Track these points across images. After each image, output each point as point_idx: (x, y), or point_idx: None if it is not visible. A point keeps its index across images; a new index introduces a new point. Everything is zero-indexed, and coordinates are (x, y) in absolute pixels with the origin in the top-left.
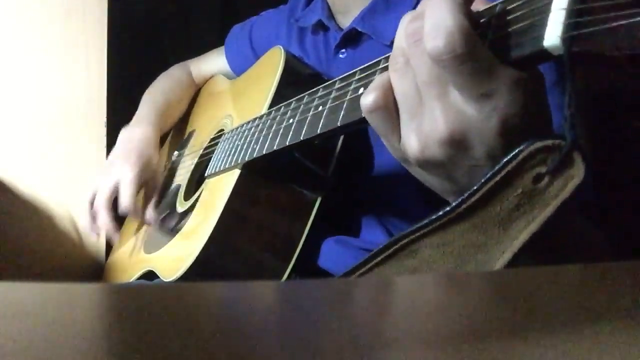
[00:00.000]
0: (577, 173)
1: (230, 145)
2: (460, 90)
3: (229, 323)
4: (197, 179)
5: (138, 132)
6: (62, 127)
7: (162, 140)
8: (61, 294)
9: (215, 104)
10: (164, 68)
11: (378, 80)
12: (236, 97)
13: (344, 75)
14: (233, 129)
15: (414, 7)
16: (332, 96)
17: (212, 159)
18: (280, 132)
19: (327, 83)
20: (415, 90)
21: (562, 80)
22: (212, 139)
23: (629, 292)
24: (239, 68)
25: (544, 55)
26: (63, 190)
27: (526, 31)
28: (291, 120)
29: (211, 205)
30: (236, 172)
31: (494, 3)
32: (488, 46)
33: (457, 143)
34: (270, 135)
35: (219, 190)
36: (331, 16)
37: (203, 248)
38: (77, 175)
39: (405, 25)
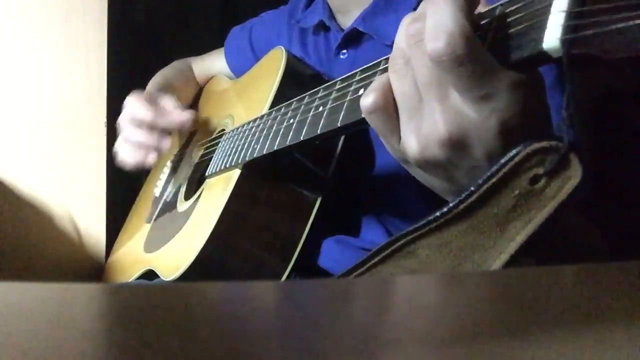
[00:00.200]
0: (574, 174)
1: (231, 145)
2: (460, 92)
3: (229, 323)
4: (198, 179)
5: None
6: (62, 127)
7: None
8: (61, 294)
9: (216, 104)
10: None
11: (378, 81)
12: (237, 97)
13: (344, 76)
14: (234, 129)
15: (415, 8)
16: (332, 97)
17: (213, 158)
18: (281, 132)
19: (328, 84)
20: (414, 91)
21: (561, 82)
22: (213, 139)
23: (629, 292)
24: (239, 69)
25: (543, 57)
26: (63, 190)
27: (525, 33)
28: (292, 121)
29: (211, 204)
30: (237, 172)
31: (494, 5)
32: (488, 48)
33: (457, 144)
34: (271, 135)
35: (219, 190)
36: (332, 17)
37: (203, 247)
38: (77, 175)
39: (406, 27)
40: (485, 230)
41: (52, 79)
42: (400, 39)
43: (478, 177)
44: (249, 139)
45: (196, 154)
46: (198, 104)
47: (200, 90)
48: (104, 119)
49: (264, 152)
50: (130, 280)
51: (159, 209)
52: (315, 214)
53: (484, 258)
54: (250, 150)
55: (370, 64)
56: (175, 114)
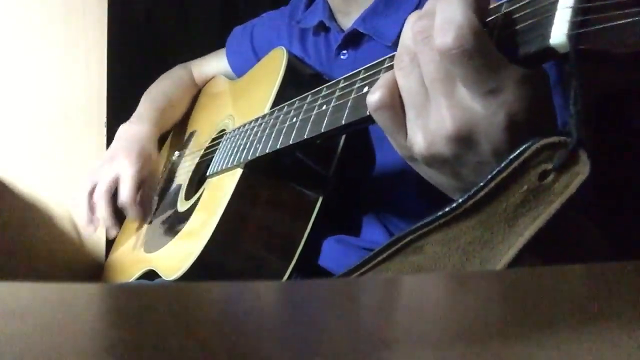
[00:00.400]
0: (582, 170)
1: (233, 145)
2: (468, 87)
3: (229, 323)
4: (198, 179)
5: (138, 129)
6: (62, 127)
7: (163, 140)
8: (61, 294)
9: (217, 104)
10: (164, 68)
11: (384, 78)
12: (238, 97)
13: (348, 75)
14: (235, 129)
15: (416, 8)
16: (336, 95)
17: (214, 158)
18: (284, 131)
19: (331, 82)
20: (421, 88)
21: (564, 78)
22: (214, 139)
23: (630, 292)
24: (240, 70)
25: (550, 53)
26: (63, 190)
27: (532, 29)
28: (295, 119)
29: (213, 204)
30: (238, 172)
31: (501, 1)
32: (495, 44)
33: (464, 140)
34: (274, 134)
35: (220, 189)
36: (332, 17)
37: (204, 247)
38: (77, 175)
39: (412, 24)
40: (493, 225)
41: (52, 79)
42: (407, 35)
43: (485, 173)
44: (250, 138)
45: (197, 154)
46: (198, 104)
47: (199, 91)
48: (104, 119)
49: (267, 152)
50: (130, 280)
51: (159, 209)
52: (317, 214)
53: (492, 254)
54: (252, 150)
55: (375, 62)
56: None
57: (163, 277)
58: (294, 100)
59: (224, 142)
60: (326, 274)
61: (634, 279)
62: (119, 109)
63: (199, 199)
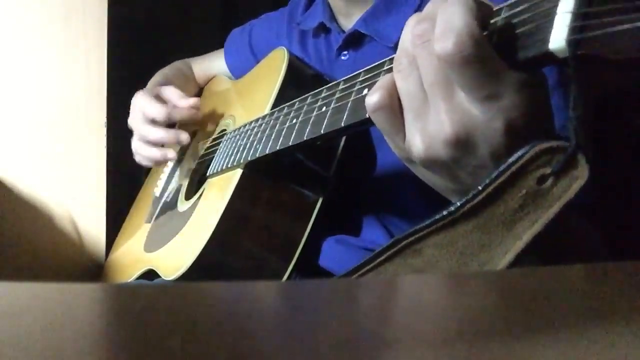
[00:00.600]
0: (581, 174)
1: (233, 145)
2: (467, 92)
3: (229, 323)
4: (199, 179)
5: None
6: (62, 127)
7: None
8: (61, 294)
9: (217, 104)
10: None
11: (383, 80)
12: (238, 97)
13: (348, 77)
14: (236, 129)
15: (417, 10)
16: (336, 97)
17: (214, 158)
18: (284, 132)
19: (331, 84)
20: (420, 91)
21: (564, 82)
22: (214, 139)
23: (630, 292)
24: (238, 71)
25: (550, 57)
26: (63, 190)
27: (532, 34)
28: (295, 121)
29: (213, 204)
30: (238, 172)
31: (501, 6)
32: (494, 48)
33: (462, 143)
34: (274, 135)
35: (220, 189)
36: (333, 18)
37: (204, 247)
38: (77, 175)
39: (412, 27)
40: (491, 229)
41: (52, 79)
42: (406, 38)
43: (482, 177)
44: (251, 138)
45: (197, 154)
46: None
47: (200, 91)
48: (104, 119)
49: (267, 152)
50: (130, 279)
51: (159, 208)
52: (317, 214)
53: (490, 257)
54: (252, 150)
55: (375, 64)
56: (184, 103)
57: (163, 277)
58: (294, 101)
59: (225, 142)
60: (326, 274)
61: (634, 279)
62: (119, 109)
63: (199, 199)
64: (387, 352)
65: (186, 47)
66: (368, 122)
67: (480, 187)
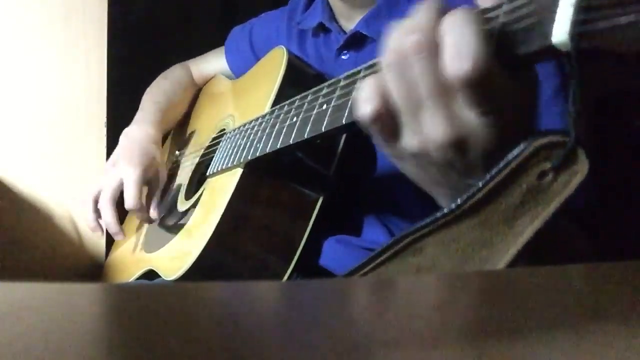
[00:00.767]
0: (581, 169)
1: (233, 145)
2: (470, 106)
3: (229, 323)
4: (198, 179)
5: (140, 131)
6: (62, 127)
7: (163, 140)
8: (61, 294)
9: (217, 103)
10: (164, 68)
11: (371, 87)
12: (238, 96)
13: (348, 74)
14: (235, 128)
15: None
16: (336, 94)
17: (214, 158)
18: (284, 130)
19: (331, 81)
20: (415, 97)
21: (566, 86)
22: (214, 139)
23: (629, 292)
24: (239, 69)
25: (552, 51)
26: (63, 190)
27: (534, 27)
28: (295, 119)
29: (213, 204)
30: (238, 171)
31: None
32: (496, 43)
33: (456, 146)
34: (274, 133)
35: (220, 189)
36: (333, 18)
37: (205, 247)
38: (77, 175)
39: (403, 36)
40: (492, 226)
41: (52, 79)
42: (397, 46)
43: (472, 174)
44: (251, 137)
45: (197, 154)
46: (198, 104)
47: (199, 90)
48: (104, 119)
49: (267, 151)
50: (130, 280)
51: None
52: (317, 214)
53: (492, 254)
54: (252, 149)
55: (373, 61)
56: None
57: (163, 277)
58: (294, 99)
59: (224, 142)
60: (326, 274)
61: (634, 279)
62: (119, 109)
63: (199, 198)
64: (387, 351)
65: (186, 47)
66: None
67: (480, 184)
